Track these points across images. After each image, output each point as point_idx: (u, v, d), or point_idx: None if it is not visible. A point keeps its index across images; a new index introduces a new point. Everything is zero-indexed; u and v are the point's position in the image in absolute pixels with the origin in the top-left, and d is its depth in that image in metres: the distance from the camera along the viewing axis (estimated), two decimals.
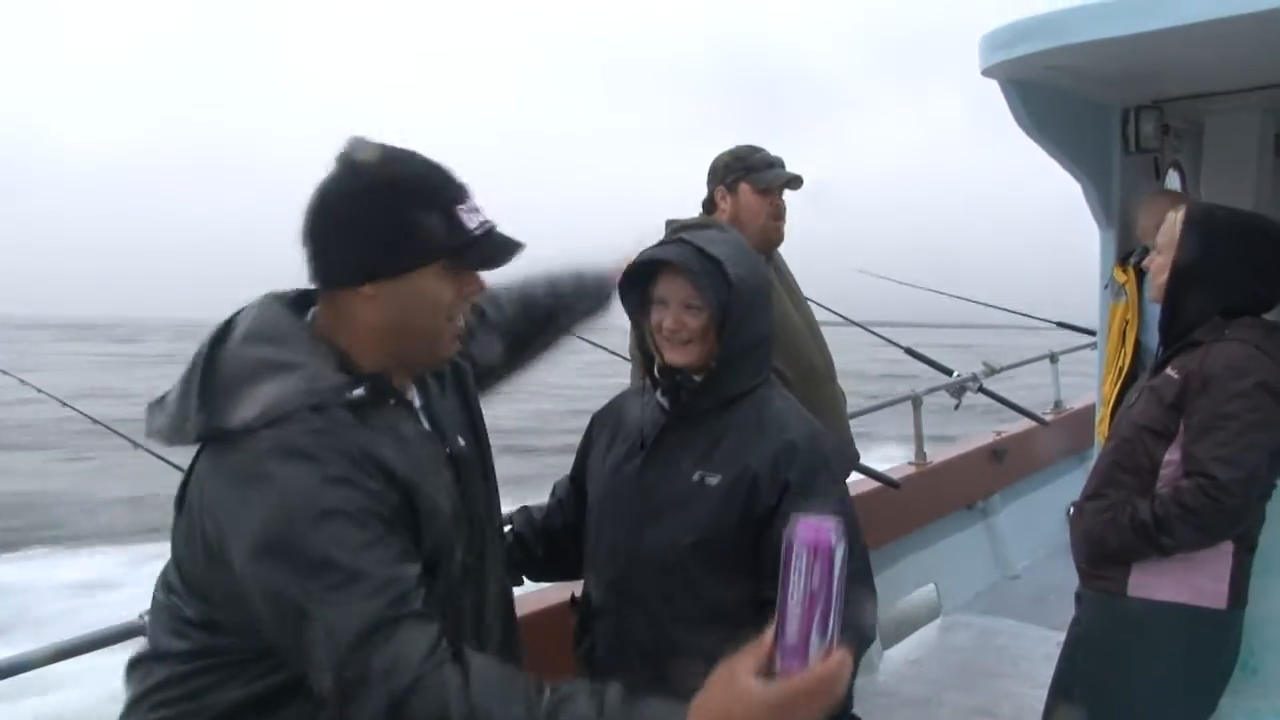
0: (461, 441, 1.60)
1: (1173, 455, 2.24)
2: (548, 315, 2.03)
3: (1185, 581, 2.22)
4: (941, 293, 7.40)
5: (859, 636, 1.65)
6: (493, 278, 1.55)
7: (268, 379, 1.36)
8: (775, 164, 2.91)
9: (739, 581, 1.81)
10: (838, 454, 2.06)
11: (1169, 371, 2.29)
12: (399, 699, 1.22)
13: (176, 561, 1.44)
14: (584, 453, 2.11)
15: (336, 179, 1.43)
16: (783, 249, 3.04)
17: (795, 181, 2.90)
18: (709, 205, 2.97)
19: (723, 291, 1.82)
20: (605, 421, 2.08)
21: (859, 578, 1.80)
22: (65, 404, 3.77)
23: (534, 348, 2.02)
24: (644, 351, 2.00)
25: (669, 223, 2.98)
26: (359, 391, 1.40)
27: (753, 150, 2.92)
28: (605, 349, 3.30)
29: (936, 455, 5.16)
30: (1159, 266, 2.39)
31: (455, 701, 1.21)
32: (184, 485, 1.43)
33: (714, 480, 1.85)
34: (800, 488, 1.81)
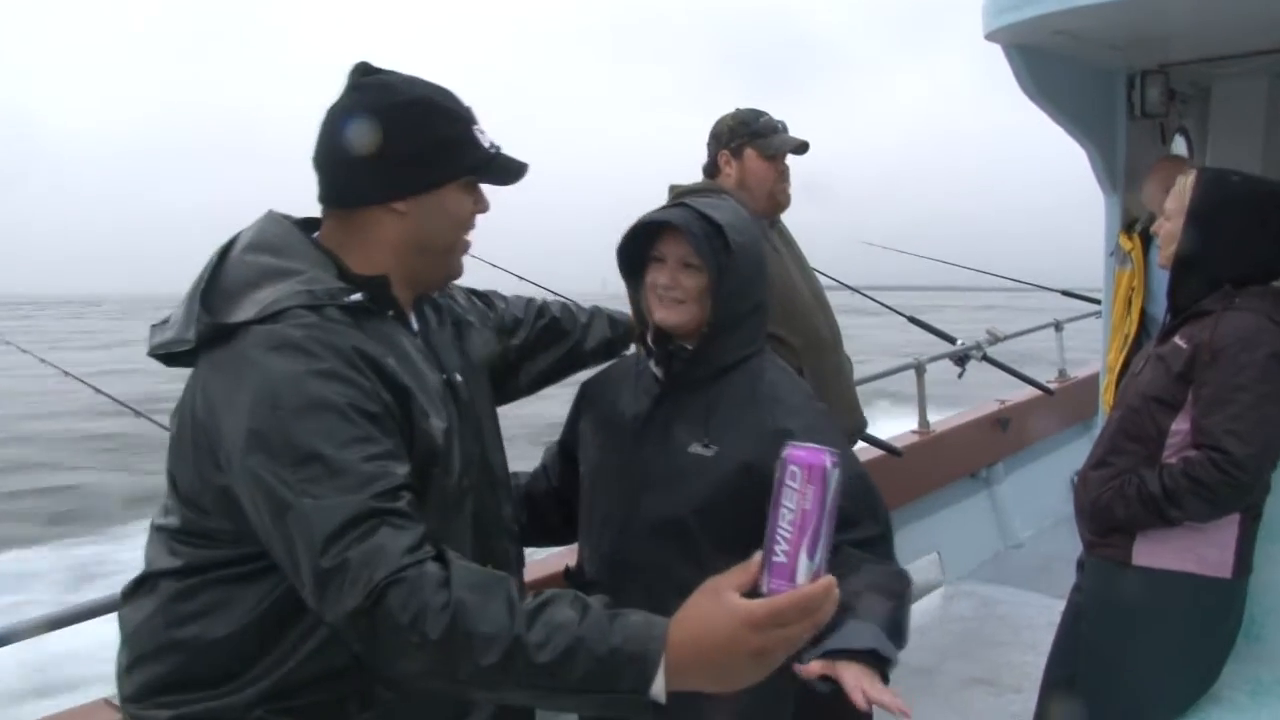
0: (459, 377, 1.60)
1: (1180, 425, 2.22)
2: (564, 339, 2.06)
3: (1191, 550, 2.21)
4: (946, 262, 7.39)
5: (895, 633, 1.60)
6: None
7: (267, 284, 1.39)
8: (780, 129, 2.88)
9: (736, 552, 1.80)
10: (833, 420, 2.04)
11: (1177, 341, 2.26)
12: (377, 591, 1.19)
13: (171, 477, 1.45)
14: (574, 421, 2.09)
15: (359, 101, 1.46)
16: (787, 219, 3.02)
17: (802, 147, 2.87)
18: (711, 170, 2.94)
19: (722, 255, 1.81)
20: (597, 391, 2.06)
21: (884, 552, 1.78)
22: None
23: (548, 366, 2.04)
24: (639, 317, 1.99)
25: (672, 188, 2.96)
26: (357, 296, 1.42)
27: (756, 115, 2.88)
28: None
29: (940, 423, 5.15)
30: (1168, 233, 2.35)
31: (434, 596, 1.20)
32: (180, 403, 1.45)
33: (710, 452, 1.83)
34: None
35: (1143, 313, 3.68)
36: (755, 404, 1.85)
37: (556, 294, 2.53)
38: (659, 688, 1.17)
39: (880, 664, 1.49)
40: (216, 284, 1.41)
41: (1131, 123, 3.59)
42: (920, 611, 4.49)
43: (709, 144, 2.93)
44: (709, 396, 1.87)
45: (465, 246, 1.57)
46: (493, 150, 1.53)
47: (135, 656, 1.46)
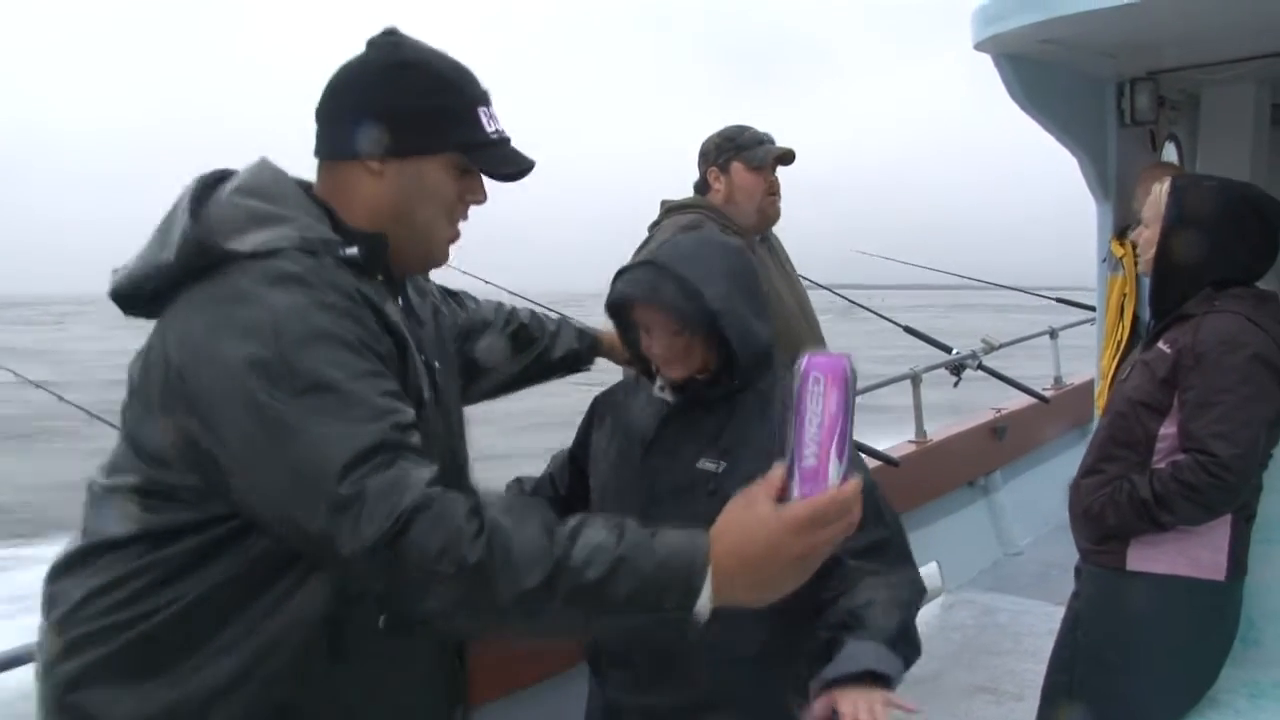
0: (437, 364, 1.52)
1: (1167, 429, 2.23)
2: (531, 346, 2.01)
3: (1184, 554, 2.22)
4: (941, 270, 7.42)
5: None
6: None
7: (255, 230, 1.30)
8: (765, 141, 2.91)
9: None
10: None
11: (1161, 345, 2.27)
12: (404, 516, 1.12)
13: (130, 434, 1.33)
14: (585, 433, 2.07)
15: (365, 57, 1.43)
16: (779, 230, 3.04)
17: (787, 156, 2.90)
18: (701, 187, 2.97)
19: (701, 313, 1.76)
20: (609, 405, 2.04)
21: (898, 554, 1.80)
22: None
23: (513, 372, 1.99)
24: (633, 352, 1.95)
25: (663, 203, 2.98)
26: (352, 250, 1.35)
27: (741, 129, 2.92)
28: None
29: (936, 433, 5.15)
30: (1146, 239, 2.38)
31: (467, 520, 1.14)
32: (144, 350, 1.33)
33: (717, 468, 1.82)
34: None
35: (1135, 318, 3.70)
36: (766, 421, 1.83)
37: (528, 300, 2.51)
38: (704, 602, 1.15)
39: (881, 681, 1.50)
40: (197, 223, 1.29)
41: (1122, 130, 3.61)
42: (921, 621, 4.45)
43: (698, 162, 2.97)
44: (717, 414, 1.85)
45: (449, 234, 1.47)
46: (494, 136, 1.43)
47: (76, 637, 1.31)
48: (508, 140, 1.46)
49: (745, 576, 1.15)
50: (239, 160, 1.40)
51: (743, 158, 2.87)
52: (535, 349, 2.01)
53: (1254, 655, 2.39)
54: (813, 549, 1.15)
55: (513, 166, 1.45)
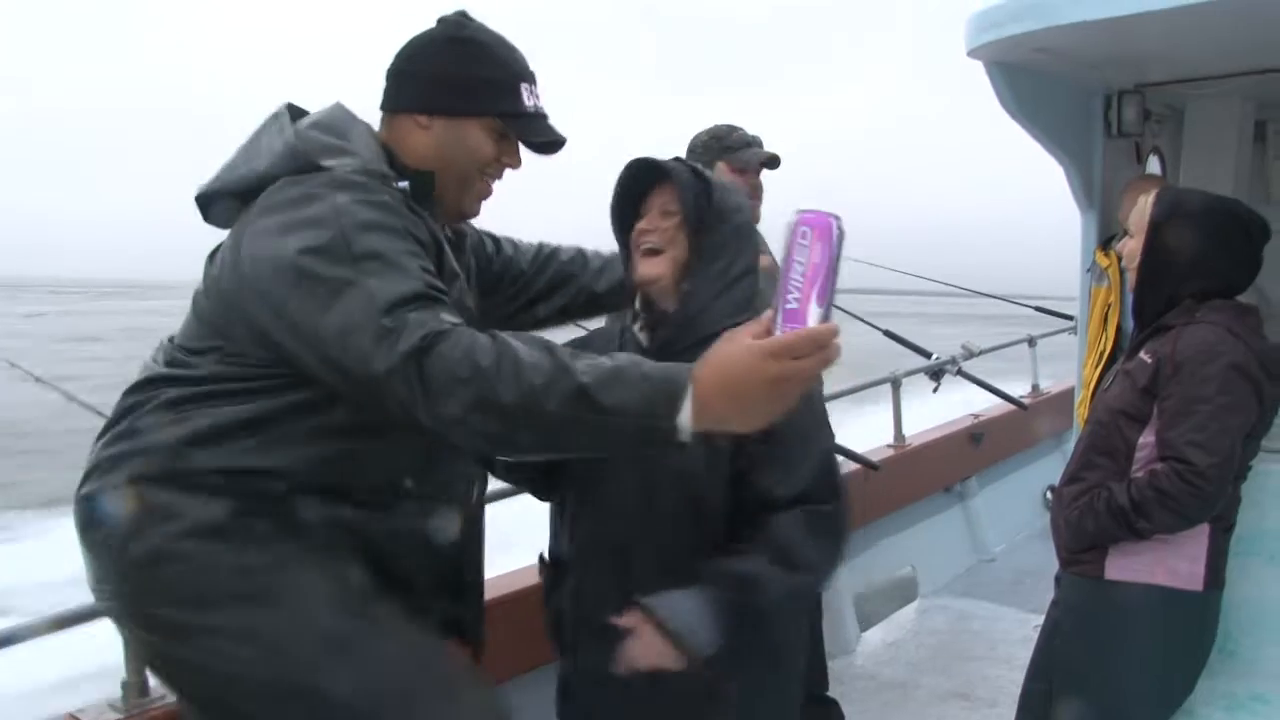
0: (469, 302, 1.73)
1: (1147, 438, 2.25)
2: (569, 281, 2.13)
3: (1162, 563, 2.23)
4: (921, 277, 7.43)
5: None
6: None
7: (327, 157, 1.56)
8: (753, 143, 2.91)
9: (711, 530, 1.78)
10: (818, 397, 2.03)
11: (1142, 355, 2.29)
12: (434, 335, 1.34)
13: (195, 309, 1.62)
14: None
15: (433, 31, 1.69)
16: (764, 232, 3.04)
17: (773, 161, 2.90)
18: None
19: (702, 201, 1.80)
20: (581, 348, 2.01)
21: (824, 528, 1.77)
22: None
23: (560, 305, 2.13)
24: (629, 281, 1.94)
25: None
26: (403, 184, 1.60)
27: (730, 129, 2.92)
28: None
29: (915, 438, 5.17)
30: (1131, 251, 2.39)
31: (482, 345, 1.34)
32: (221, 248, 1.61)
33: None
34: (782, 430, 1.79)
35: (1119, 329, 3.72)
36: None
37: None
38: (686, 417, 1.28)
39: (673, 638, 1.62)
40: (298, 136, 1.59)
41: (1108, 141, 3.63)
42: (895, 625, 4.50)
43: (685, 158, 2.97)
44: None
45: (483, 190, 1.72)
46: (532, 110, 1.67)
47: (152, 426, 1.55)
48: (545, 116, 1.69)
49: (724, 397, 1.27)
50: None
51: (728, 158, 2.88)
52: (575, 284, 2.13)
53: (1231, 666, 2.41)
54: (787, 375, 1.26)
55: (545, 138, 1.69)
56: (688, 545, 1.77)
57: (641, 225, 1.84)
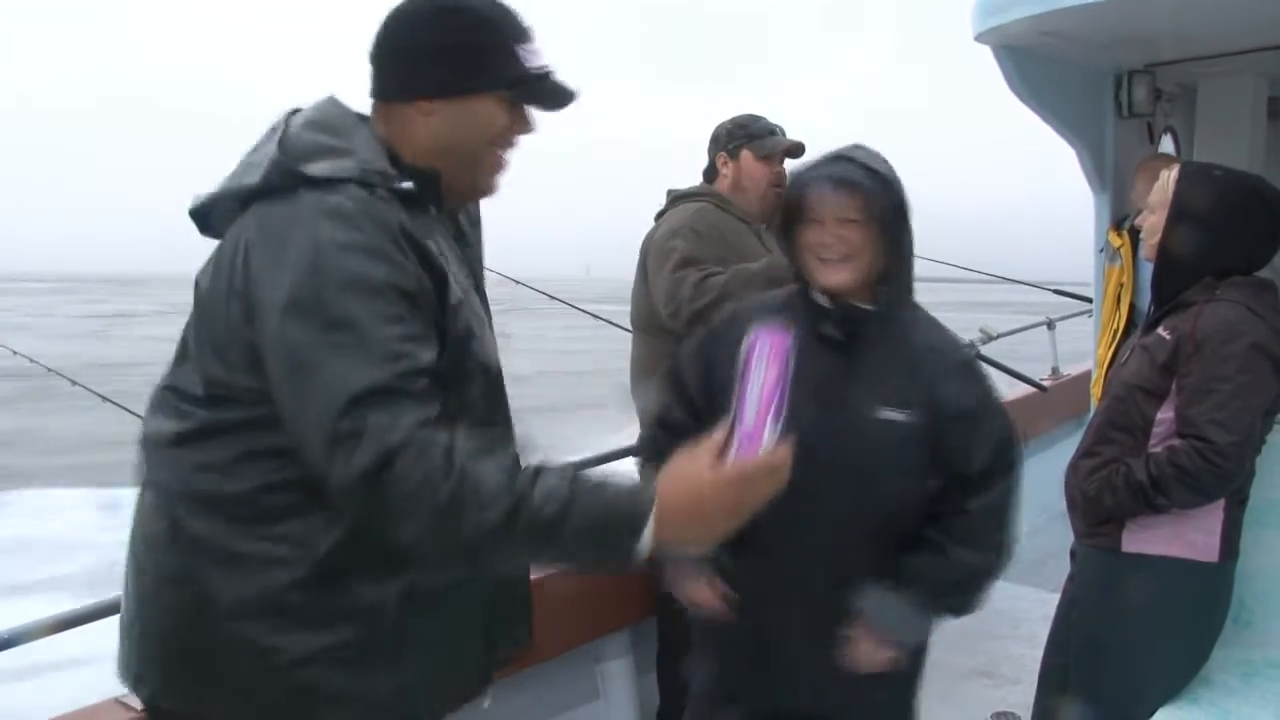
0: (476, 297, 1.60)
1: (1165, 414, 2.26)
2: None
3: (1178, 536, 2.26)
4: (940, 261, 7.42)
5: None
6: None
7: (321, 160, 1.43)
8: (776, 131, 2.95)
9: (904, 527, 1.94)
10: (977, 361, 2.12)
11: (1161, 331, 2.30)
12: (389, 453, 1.25)
13: (199, 323, 1.48)
14: (704, 381, 1.95)
15: (409, 2, 1.50)
16: None
17: (796, 149, 2.93)
18: (710, 173, 3.00)
19: (884, 202, 1.77)
20: (723, 342, 1.87)
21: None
22: None
23: None
24: (798, 280, 1.92)
25: (669, 192, 3.02)
26: (407, 184, 1.45)
27: (754, 119, 2.96)
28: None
29: None
30: (1152, 225, 2.40)
31: (441, 462, 1.26)
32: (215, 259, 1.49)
33: (901, 417, 1.81)
34: (979, 409, 1.89)
35: (1131, 307, 3.74)
36: (932, 356, 1.89)
37: (535, 288, 2.51)
38: (647, 539, 1.29)
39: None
40: (281, 149, 1.45)
41: (1120, 122, 3.64)
42: None
43: (709, 147, 3.00)
44: (876, 358, 1.84)
45: (499, 164, 1.56)
46: (538, 71, 1.51)
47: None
48: (550, 71, 1.52)
49: (683, 522, 1.30)
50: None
51: (753, 146, 2.92)
52: None
53: (1246, 636, 2.44)
54: (743, 502, 1.31)
55: (555, 99, 1.55)
56: (888, 548, 1.91)
57: (821, 238, 1.81)
